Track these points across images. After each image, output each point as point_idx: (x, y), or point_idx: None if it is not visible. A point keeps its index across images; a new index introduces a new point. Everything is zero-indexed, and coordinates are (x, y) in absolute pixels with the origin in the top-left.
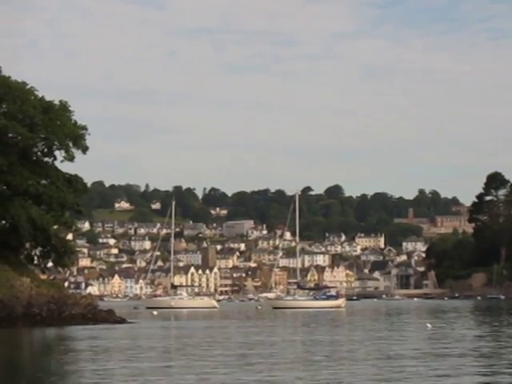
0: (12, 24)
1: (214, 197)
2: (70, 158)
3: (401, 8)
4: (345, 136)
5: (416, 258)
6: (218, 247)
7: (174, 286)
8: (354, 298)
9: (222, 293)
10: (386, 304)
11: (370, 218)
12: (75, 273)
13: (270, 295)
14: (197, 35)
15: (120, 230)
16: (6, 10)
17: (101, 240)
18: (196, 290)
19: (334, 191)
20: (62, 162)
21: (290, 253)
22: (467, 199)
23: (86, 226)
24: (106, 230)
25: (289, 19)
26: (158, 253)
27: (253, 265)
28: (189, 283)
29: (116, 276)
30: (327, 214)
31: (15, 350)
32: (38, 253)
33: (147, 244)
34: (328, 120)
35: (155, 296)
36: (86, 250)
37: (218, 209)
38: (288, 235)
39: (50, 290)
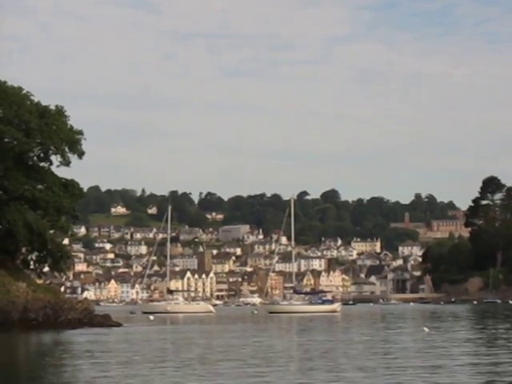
0: (5, 28)
1: (210, 201)
2: (66, 162)
3: (396, 11)
4: (341, 140)
5: (412, 262)
6: (214, 252)
7: (170, 291)
8: (350, 302)
9: (218, 297)
10: (382, 308)
11: (366, 223)
12: (71, 278)
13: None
14: (192, 39)
15: (116, 235)
16: None
17: (97, 245)
18: (192, 294)
19: (330, 195)
20: (58, 166)
21: (285, 257)
22: (463, 203)
23: (82, 230)
24: (102, 235)
25: (284, 23)
26: (154, 257)
27: (249, 269)
28: (185, 288)
29: (112, 281)
30: (323, 219)
31: (11, 355)
32: (34, 257)
33: (143, 249)
34: (324, 124)
35: (151, 301)
36: (82, 255)
37: (214, 213)
38: (284, 240)
39: (46, 295)
